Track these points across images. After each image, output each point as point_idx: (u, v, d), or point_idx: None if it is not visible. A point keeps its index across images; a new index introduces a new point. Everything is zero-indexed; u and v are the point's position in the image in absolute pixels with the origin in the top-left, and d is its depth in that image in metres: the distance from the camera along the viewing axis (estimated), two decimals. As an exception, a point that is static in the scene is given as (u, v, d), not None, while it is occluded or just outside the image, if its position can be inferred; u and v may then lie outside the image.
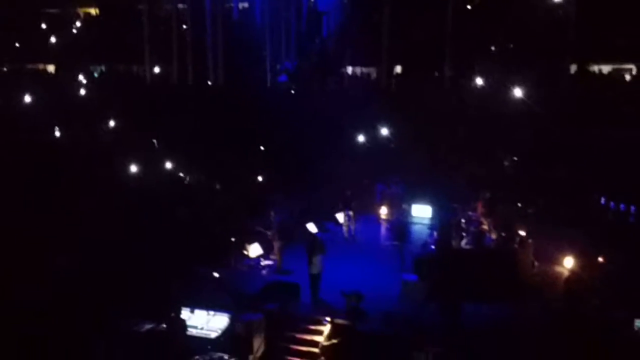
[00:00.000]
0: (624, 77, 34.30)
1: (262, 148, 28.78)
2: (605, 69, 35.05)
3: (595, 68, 34.83)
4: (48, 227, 19.33)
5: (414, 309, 17.14)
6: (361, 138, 27.41)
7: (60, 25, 48.61)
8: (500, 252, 19.68)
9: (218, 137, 27.91)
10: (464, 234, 20.99)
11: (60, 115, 30.38)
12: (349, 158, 26.26)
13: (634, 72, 34.80)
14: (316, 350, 16.05)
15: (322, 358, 15.75)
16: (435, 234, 21.50)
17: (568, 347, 14.47)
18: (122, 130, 29.85)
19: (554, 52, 31.78)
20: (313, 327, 16.65)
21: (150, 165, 25.27)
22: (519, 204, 22.49)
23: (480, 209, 22.20)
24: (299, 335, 16.56)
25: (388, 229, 21.88)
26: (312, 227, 20.91)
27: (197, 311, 16.72)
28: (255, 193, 24.75)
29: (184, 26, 40.73)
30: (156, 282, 17.04)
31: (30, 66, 43.60)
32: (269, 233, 20.62)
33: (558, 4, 33.77)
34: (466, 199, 22.68)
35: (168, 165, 25.68)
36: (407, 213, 25.48)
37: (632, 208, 21.38)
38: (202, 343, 15.87)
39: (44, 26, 48.60)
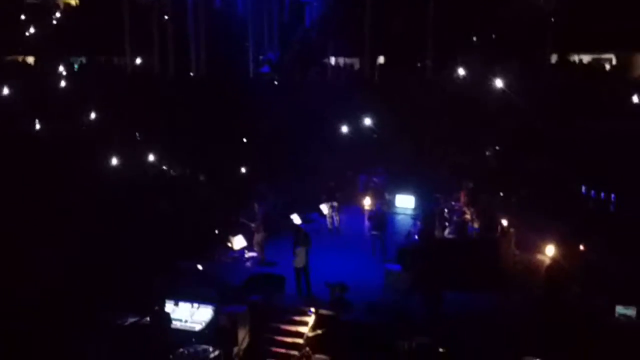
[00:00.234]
0: (604, 67, 34.57)
1: (245, 140, 28.70)
2: (586, 58, 35.31)
3: (575, 58, 35.08)
4: (31, 221, 19.15)
5: (397, 299, 17.26)
6: (344, 129, 27.44)
7: (40, 16, 47.98)
8: (483, 241, 19.82)
9: (201, 129, 27.79)
10: (447, 224, 21.12)
11: (40, 108, 30.03)
12: (332, 149, 26.28)
13: (614, 61, 35.09)
14: (301, 340, 16.11)
15: (307, 348, 15.80)
16: (418, 224, 21.59)
17: (550, 334, 14.62)
18: (103, 123, 29.59)
19: (535, 42, 31.95)
20: (297, 318, 16.69)
21: (133, 157, 25.10)
22: (501, 194, 22.65)
23: (463, 198, 22.32)
24: (283, 326, 16.59)
25: (367, 219, 21.97)
26: (296, 219, 20.93)
27: (181, 304, 16.66)
28: (239, 185, 24.71)
29: (165, 17, 40.38)
30: (140, 275, 16.97)
31: (9, 57, 43.02)
32: (252, 225, 20.59)
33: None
34: (449, 189, 22.78)
35: (151, 157, 25.53)
36: (390, 204, 25.58)
37: (612, 196, 21.59)
38: (187, 335, 15.83)
39: (23, 17, 47.96)
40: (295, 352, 15.78)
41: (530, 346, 14.25)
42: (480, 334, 15.06)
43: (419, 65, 35.98)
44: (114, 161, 24.20)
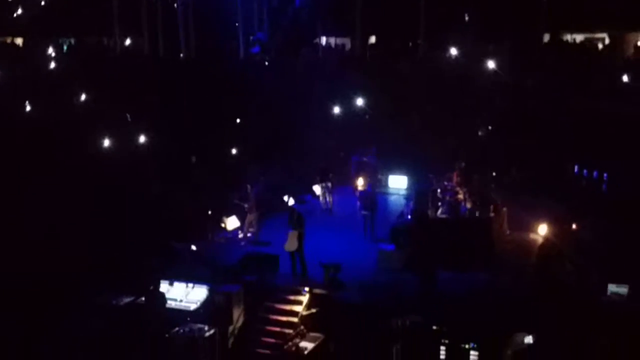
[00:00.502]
0: (596, 46, 34.55)
1: (237, 120, 28.59)
2: (579, 38, 35.25)
3: (568, 37, 35.01)
4: (23, 203, 19.06)
5: (391, 278, 17.35)
6: (336, 109, 27.36)
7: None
8: (476, 221, 19.89)
9: (192, 110, 27.65)
10: (439, 204, 21.15)
11: (30, 89, 29.77)
12: (324, 130, 26.22)
13: (607, 41, 35.05)
14: (295, 319, 16.19)
15: (302, 327, 15.90)
16: (411, 204, 21.65)
17: (542, 313, 14.74)
18: (93, 104, 29.38)
19: (527, 22, 31.85)
20: (292, 297, 16.76)
21: (123, 139, 24.95)
22: (494, 173, 22.70)
23: (455, 178, 22.33)
24: (278, 306, 16.65)
25: (357, 200, 22.03)
26: (289, 200, 20.91)
27: (176, 283, 16.73)
28: (231, 166, 24.65)
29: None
30: (134, 256, 16.98)
31: (-3, 39, 42.61)
32: (245, 205, 20.57)
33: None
34: (441, 169, 22.81)
35: (142, 139, 25.38)
36: (383, 184, 25.62)
37: (605, 175, 21.69)
38: (182, 315, 15.91)
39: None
40: (290, 331, 15.87)
41: (522, 324, 14.36)
42: (473, 312, 15.17)
43: (410, 44, 35.84)
44: (106, 143, 24.05)
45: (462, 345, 14.15)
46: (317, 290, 16.68)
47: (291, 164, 24.89)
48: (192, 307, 16.17)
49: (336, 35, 39.89)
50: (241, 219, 20.66)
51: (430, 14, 33.24)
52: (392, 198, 24.90)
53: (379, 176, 25.66)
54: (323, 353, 15.30)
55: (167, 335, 15.07)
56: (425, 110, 26.94)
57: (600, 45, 34.76)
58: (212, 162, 24.92)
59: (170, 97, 28.72)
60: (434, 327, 14.51)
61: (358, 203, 21.63)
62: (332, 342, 15.37)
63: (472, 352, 14.08)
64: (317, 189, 23.73)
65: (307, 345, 15.23)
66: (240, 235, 20.65)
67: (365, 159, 25.91)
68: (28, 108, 28.72)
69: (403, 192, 24.79)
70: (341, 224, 21.90)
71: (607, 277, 15.61)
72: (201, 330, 15.25)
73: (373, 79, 29.14)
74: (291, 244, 17.52)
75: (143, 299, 16.03)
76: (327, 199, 23.56)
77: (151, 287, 15.93)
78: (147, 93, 29.36)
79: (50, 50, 39.08)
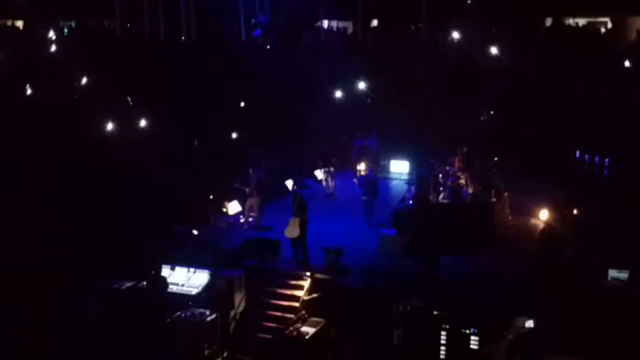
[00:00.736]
0: (599, 31, 34.38)
1: (238, 104, 28.49)
2: (581, 22, 35.06)
3: (570, 21, 34.83)
4: (26, 187, 19.06)
5: (392, 263, 17.39)
6: (338, 93, 27.27)
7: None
8: (477, 206, 19.88)
9: (193, 94, 27.54)
10: (441, 189, 21.13)
11: (30, 72, 29.65)
12: (326, 114, 26.16)
13: (609, 25, 34.87)
14: (297, 304, 16.22)
15: (303, 312, 15.95)
16: (413, 188, 21.64)
17: (543, 297, 14.77)
18: (94, 87, 29.28)
19: (530, 6, 31.65)
20: (293, 282, 16.78)
21: (124, 123, 24.89)
22: (496, 158, 22.67)
23: (457, 163, 22.31)
24: (279, 290, 16.69)
25: (357, 185, 22.04)
26: (290, 185, 20.91)
27: (177, 268, 16.74)
28: (233, 150, 24.61)
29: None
30: (136, 240, 16.99)
31: (-3, 22, 42.39)
32: (246, 189, 20.57)
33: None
34: (443, 154, 22.77)
35: (143, 123, 25.32)
36: (385, 169, 25.60)
37: (607, 161, 21.65)
38: (183, 300, 15.92)
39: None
40: (291, 316, 15.89)
41: (522, 308, 14.40)
42: (474, 297, 15.21)
43: (412, 28, 35.66)
44: (107, 126, 23.99)
45: (463, 331, 14.20)
46: (318, 275, 16.71)
47: (293, 148, 24.87)
48: (194, 291, 16.20)
49: (338, 19, 39.73)
50: (242, 203, 20.67)
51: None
52: (394, 183, 24.92)
53: (382, 161, 25.67)
54: (324, 338, 15.33)
55: (168, 320, 15.11)
56: (427, 94, 26.84)
57: (602, 30, 34.58)
58: (213, 146, 24.88)
59: (171, 81, 28.61)
60: (435, 312, 14.55)
61: (357, 188, 21.65)
62: (334, 327, 15.42)
63: (472, 338, 14.13)
64: (318, 173, 23.73)
65: (309, 330, 15.25)
66: (242, 220, 20.67)
67: (367, 143, 25.88)
68: (28, 92, 28.61)
69: (405, 177, 24.80)
70: (343, 208, 21.92)
71: (608, 262, 15.63)
72: (203, 314, 15.28)
73: (375, 62, 29.04)
74: (292, 231, 17.47)
75: (144, 283, 16.07)
76: (330, 183, 23.58)
77: (153, 272, 15.95)
78: (148, 77, 29.24)
79: (51, 34, 38.88)
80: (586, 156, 22.46)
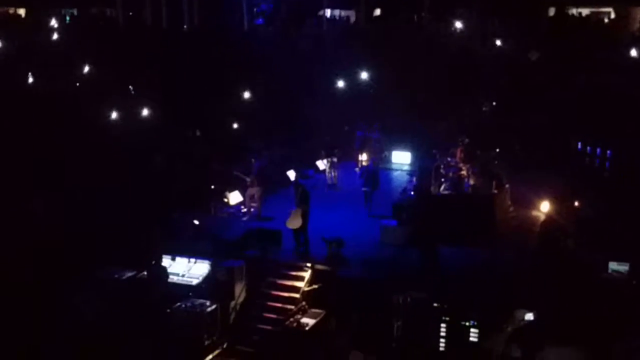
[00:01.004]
0: (602, 20, 34.20)
1: (240, 94, 28.41)
2: (584, 12, 34.86)
3: (573, 11, 34.62)
4: (28, 176, 19.05)
5: (393, 254, 17.39)
6: (341, 83, 27.18)
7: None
8: (479, 197, 19.86)
9: (195, 83, 27.48)
10: (442, 180, 21.12)
11: (33, 61, 29.59)
12: (328, 104, 26.09)
13: (612, 15, 34.68)
14: (297, 295, 16.25)
15: (303, 303, 15.97)
16: (414, 179, 21.62)
17: (543, 290, 14.78)
18: (96, 76, 29.21)
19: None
20: (294, 273, 16.81)
21: (126, 111, 24.86)
22: (497, 150, 22.62)
23: (459, 154, 22.27)
24: (280, 281, 16.72)
25: (358, 176, 22.03)
26: (292, 175, 20.90)
27: (178, 258, 16.80)
28: (235, 139, 24.58)
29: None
30: (137, 230, 17.00)
31: (-1, 10, 42.24)
32: (248, 179, 20.55)
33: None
34: (445, 145, 22.73)
35: (145, 112, 25.28)
36: (387, 160, 25.57)
37: (608, 152, 21.58)
38: (184, 290, 15.98)
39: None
40: (292, 307, 15.93)
41: (523, 300, 14.41)
42: (475, 288, 15.21)
43: (415, 17, 35.49)
44: (109, 115, 23.95)
45: (463, 323, 14.24)
46: (319, 266, 16.72)
47: (295, 138, 24.82)
48: (194, 282, 16.26)
49: (341, 8, 39.52)
50: (243, 193, 20.65)
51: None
52: (396, 174, 24.91)
53: (384, 152, 25.64)
54: (324, 329, 15.36)
55: (169, 310, 15.16)
56: (429, 84, 26.74)
57: (606, 19, 34.40)
58: (215, 135, 24.84)
59: (172, 70, 28.54)
60: (435, 304, 14.57)
61: (358, 179, 21.63)
62: (334, 318, 15.44)
63: (472, 330, 14.17)
64: (320, 164, 23.71)
65: (309, 321, 15.29)
66: (244, 210, 20.67)
67: (369, 134, 25.84)
68: (30, 80, 28.56)
69: (406, 167, 24.78)
70: (345, 199, 21.92)
71: (608, 254, 15.63)
72: (203, 305, 15.33)
73: (377, 52, 28.92)
74: (294, 222, 17.44)
75: (145, 273, 16.11)
76: (333, 173, 23.56)
77: (153, 262, 16.00)
78: (150, 65, 29.18)
79: (53, 22, 38.78)
80: (588, 148, 22.38)
